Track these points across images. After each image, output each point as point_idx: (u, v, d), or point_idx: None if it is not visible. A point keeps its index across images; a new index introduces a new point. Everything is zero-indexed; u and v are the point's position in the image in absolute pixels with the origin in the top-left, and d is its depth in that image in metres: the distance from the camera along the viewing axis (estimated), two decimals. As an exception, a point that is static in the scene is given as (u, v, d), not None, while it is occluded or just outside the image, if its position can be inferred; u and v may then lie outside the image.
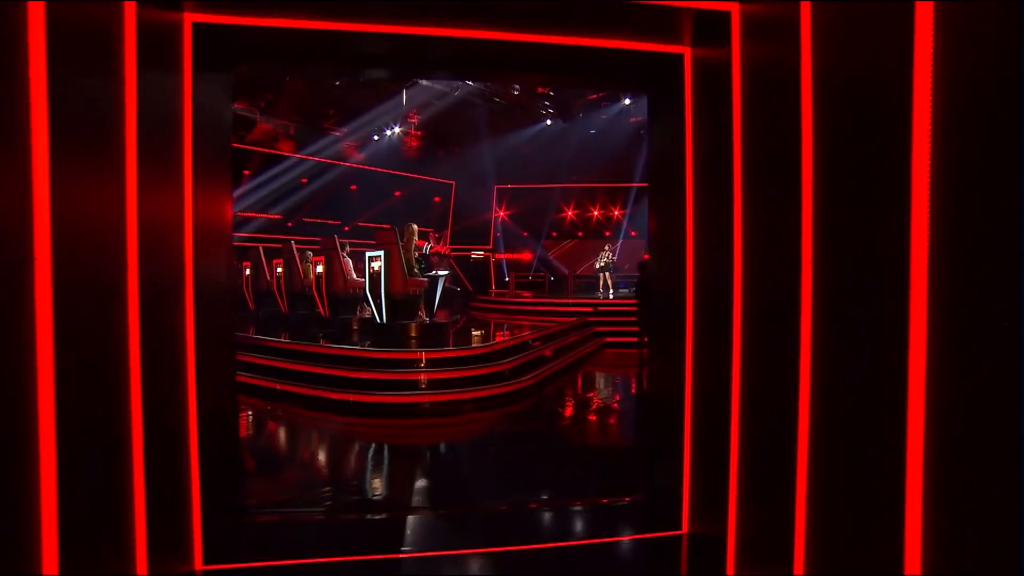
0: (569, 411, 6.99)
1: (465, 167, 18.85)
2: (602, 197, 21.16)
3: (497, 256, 20.44)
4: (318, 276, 10.16)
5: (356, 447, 5.35)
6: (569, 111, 16.12)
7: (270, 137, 17.75)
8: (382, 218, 16.29)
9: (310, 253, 10.52)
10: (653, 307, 3.52)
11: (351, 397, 6.63)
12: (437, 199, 20.16)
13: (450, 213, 20.21)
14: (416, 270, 9.24)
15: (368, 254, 9.14)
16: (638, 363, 10.12)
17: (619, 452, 5.06)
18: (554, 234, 20.97)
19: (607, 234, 20.94)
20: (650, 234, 3.50)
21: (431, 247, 21.23)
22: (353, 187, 18.08)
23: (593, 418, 6.69)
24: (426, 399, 6.88)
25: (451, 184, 20.23)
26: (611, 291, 16.18)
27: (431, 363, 7.29)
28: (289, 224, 18.42)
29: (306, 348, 7.51)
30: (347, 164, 18.14)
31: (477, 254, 20.28)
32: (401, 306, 9.24)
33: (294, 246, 10.84)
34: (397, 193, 20.08)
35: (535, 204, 20.53)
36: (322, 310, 10.16)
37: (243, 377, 7.70)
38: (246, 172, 17.20)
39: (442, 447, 5.80)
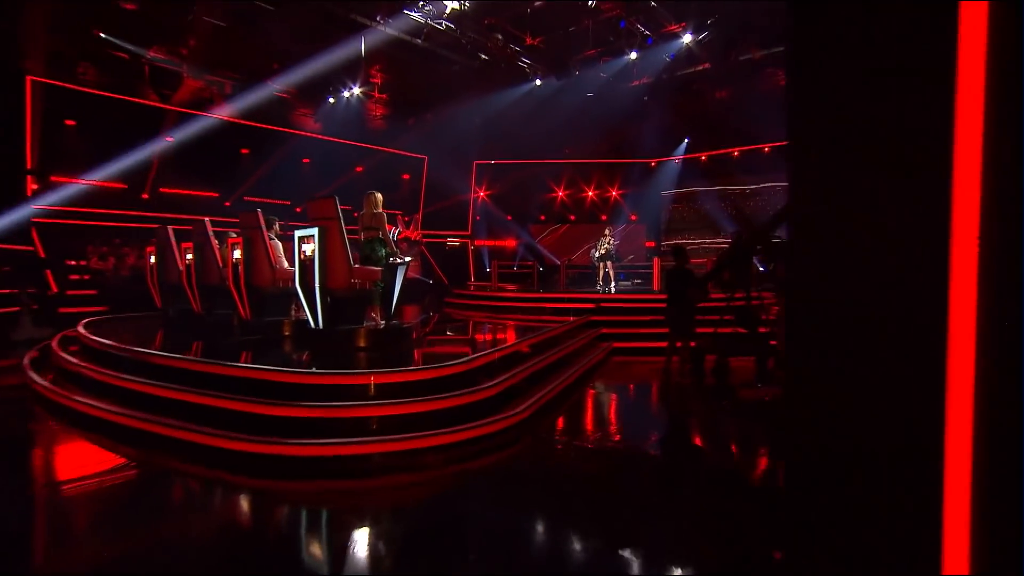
0: (593, 466, 4.70)
1: (439, 139, 17.15)
2: (598, 175, 19.91)
3: (477, 243, 19.36)
4: (236, 265, 7.73)
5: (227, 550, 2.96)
6: (564, 65, 13.74)
7: (202, 97, 15.10)
8: (340, 198, 14.93)
9: (234, 234, 8.06)
10: (807, 317, 2.28)
11: (248, 446, 4.26)
12: (406, 176, 18.60)
13: (421, 193, 18.60)
14: (378, 255, 6.91)
15: (298, 233, 6.76)
16: (664, 376, 7.92)
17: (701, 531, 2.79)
18: (542, 218, 19.64)
19: (603, 218, 19.71)
20: (809, 220, 2.25)
21: (399, 232, 18.97)
22: (306, 160, 16.24)
23: (630, 476, 4.43)
24: (375, 448, 4.56)
25: (422, 159, 18.66)
26: (613, 284, 14.08)
27: (383, 392, 4.96)
28: (227, 204, 15.86)
29: (177, 362, 5.10)
30: (299, 132, 16.17)
31: (453, 241, 19.19)
32: (347, 305, 6.89)
33: (209, 226, 8.38)
34: (359, 169, 18.04)
35: (521, 183, 19.17)
36: (242, 310, 7.74)
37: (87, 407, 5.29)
38: (169, 139, 14.59)
39: (388, 543, 3.45)
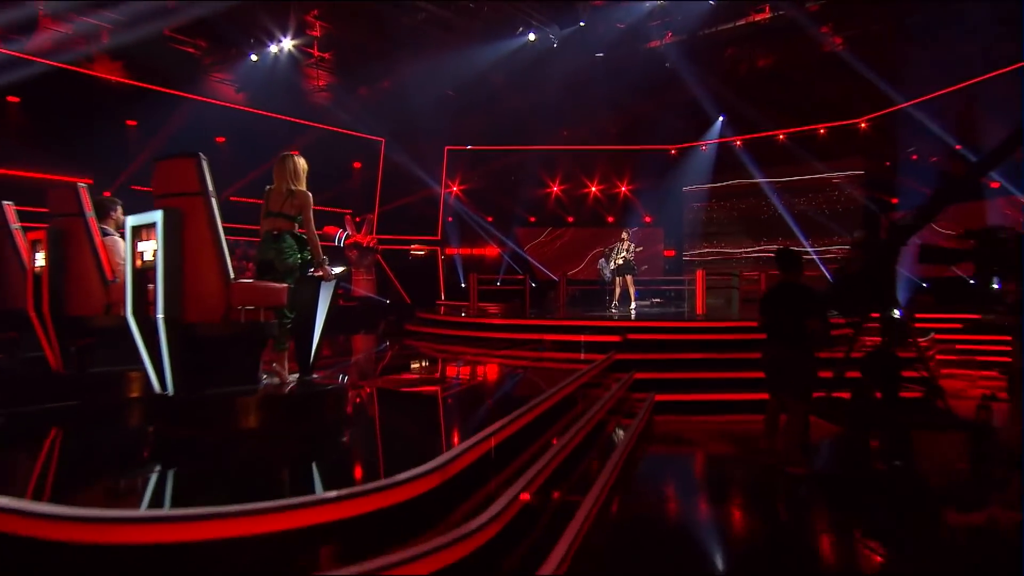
0: None
1: (400, 115, 15.45)
2: (604, 166, 18.54)
3: (449, 252, 18.00)
4: (37, 278, 5.02)
5: None
6: (569, 6, 11.35)
7: (69, 47, 12.27)
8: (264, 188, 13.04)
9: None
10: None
11: None
12: (357, 164, 17.10)
13: (377, 186, 16.91)
14: (287, 262, 4.65)
15: (130, 222, 4.11)
16: (764, 465, 5.36)
17: None
18: (532, 220, 18.38)
19: (609, 219, 18.53)
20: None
21: (346, 236, 16.39)
22: (220, 139, 14.37)
23: None
24: None
25: (379, 142, 17.01)
26: (633, 304, 11.64)
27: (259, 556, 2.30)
28: (106, 194, 12.90)
29: None
30: (210, 101, 14.21)
31: (418, 249, 17.91)
32: (226, 351, 4.24)
33: (12, 215, 5.66)
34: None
35: (505, 175, 17.95)
36: (49, 355, 5.01)
37: None
38: (14, 99, 11.73)
39: None
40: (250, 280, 4.62)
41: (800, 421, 5.48)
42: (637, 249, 12.22)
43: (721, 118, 16.57)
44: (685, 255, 17.90)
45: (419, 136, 16.24)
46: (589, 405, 6.00)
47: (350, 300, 15.67)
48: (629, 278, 12.24)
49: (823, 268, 14.51)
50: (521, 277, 13.80)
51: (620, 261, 12.19)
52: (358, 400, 5.52)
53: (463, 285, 17.01)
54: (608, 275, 13.91)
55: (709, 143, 17.26)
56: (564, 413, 5.56)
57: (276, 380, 4.72)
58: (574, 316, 11.09)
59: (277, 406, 4.28)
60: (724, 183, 17.27)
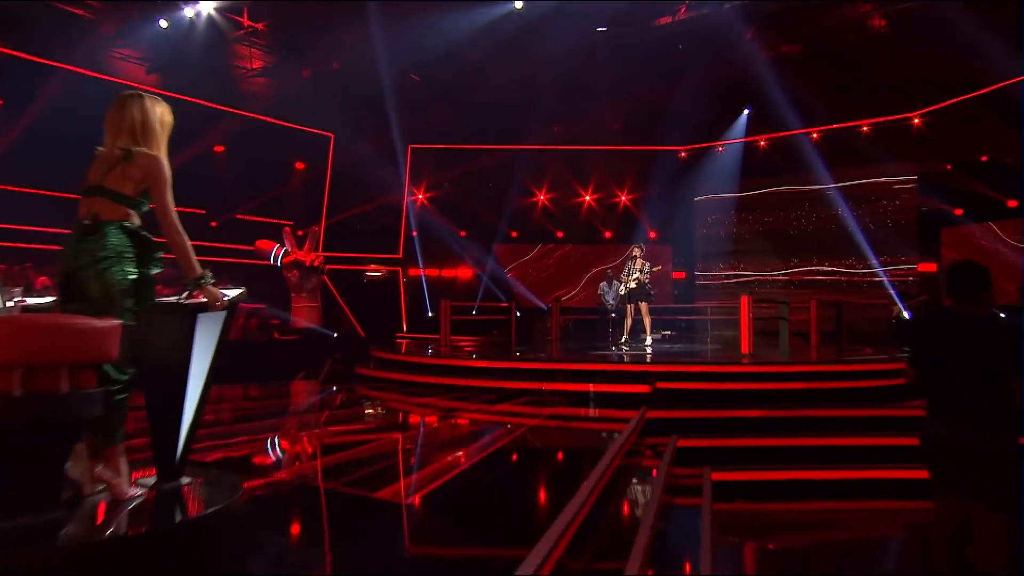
0: None
1: (353, 104, 14.32)
2: (600, 169, 17.47)
3: (413, 272, 17.18)
4: None
5: None
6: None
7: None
8: (187, 195, 11.40)
9: None
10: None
11: None
12: (300, 165, 16.13)
13: (325, 192, 15.90)
14: (113, 278, 2.82)
15: None
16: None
17: None
18: (515, 234, 17.67)
19: (607, 235, 17.80)
20: None
21: (284, 253, 14.51)
22: None
23: None
24: None
25: (327, 138, 16.02)
26: (649, 340, 10.54)
27: None
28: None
29: None
30: (110, 79, 12.28)
31: (375, 270, 17.08)
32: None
33: None
34: (219, 149, 14.96)
35: (481, 179, 17.20)
36: None
37: None
38: None
39: None
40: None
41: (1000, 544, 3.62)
42: (654, 269, 10.52)
43: (746, 112, 15.42)
44: (698, 277, 16.77)
45: (376, 131, 15.24)
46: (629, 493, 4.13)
47: (287, 333, 13.82)
48: (644, 306, 10.58)
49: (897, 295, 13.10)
50: (505, 305, 12.37)
51: (632, 284, 10.52)
52: (264, 527, 3.48)
53: (429, 314, 16.05)
54: (611, 302, 12.69)
55: (727, 143, 16.20)
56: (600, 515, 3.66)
57: (106, 495, 2.76)
58: (576, 355, 9.48)
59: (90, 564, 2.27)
60: (746, 192, 16.27)
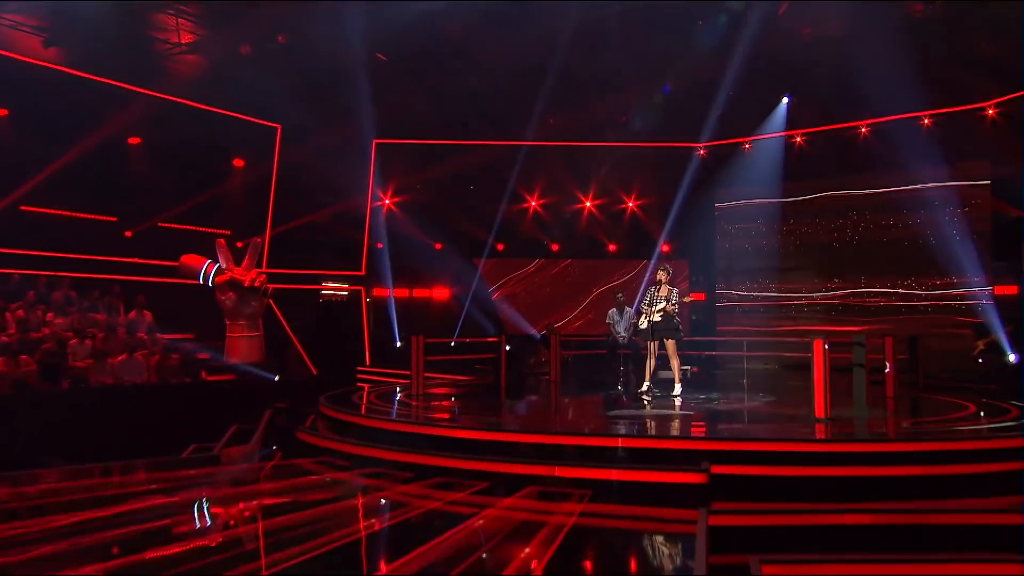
0: None
1: (304, 89, 13.80)
2: (603, 171, 16.81)
3: (378, 293, 16.50)
4: None
5: None
6: None
7: None
8: (93, 197, 12.95)
9: None
10: None
11: None
12: (239, 163, 15.45)
13: (270, 195, 15.21)
14: None
15: None
16: None
17: None
18: (500, 247, 17.30)
19: (611, 248, 17.47)
20: None
21: (218, 270, 12.72)
22: (3, 112, 12.38)
23: None
24: None
25: (272, 130, 15.27)
26: (679, 389, 9.21)
27: None
28: None
29: None
30: None
31: (333, 289, 16.44)
32: None
33: None
34: (133, 141, 13.96)
35: (460, 182, 17.09)
36: None
37: None
38: None
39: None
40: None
41: None
42: (684, 299, 9.18)
43: (785, 101, 14.27)
44: (719, 297, 15.68)
45: (334, 122, 14.60)
46: None
47: (217, 373, 11.98)
48: (671, 345, 9.01)
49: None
50: (493, 340, 11.30)
51: (657, 317, 8.87)
52: None
53: (399, 344, 15.23)
54: (622, 333, 11.29)
55: (755, 139, 15.20)
56: None
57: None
58: (590, 419, 7.99)
59: None
60: (778, 198, 15.19)
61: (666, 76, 13.49)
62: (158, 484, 6.48)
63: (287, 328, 14.06)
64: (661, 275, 9.05)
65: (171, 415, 9.52)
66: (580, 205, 17.10)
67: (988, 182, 12.85)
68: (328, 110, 14.13)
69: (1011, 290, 12.31)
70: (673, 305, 8.76)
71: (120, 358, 10.22)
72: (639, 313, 9.21)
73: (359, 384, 12.89)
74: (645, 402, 8.56)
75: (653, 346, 8.98)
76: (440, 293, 17.08)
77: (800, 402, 8.82)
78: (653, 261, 15.87)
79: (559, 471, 5.74)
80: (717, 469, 5.52)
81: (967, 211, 12.99)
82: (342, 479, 6.41)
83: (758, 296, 15.35)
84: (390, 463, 6.34)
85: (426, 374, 10.75)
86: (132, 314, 11.75)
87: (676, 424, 7.17)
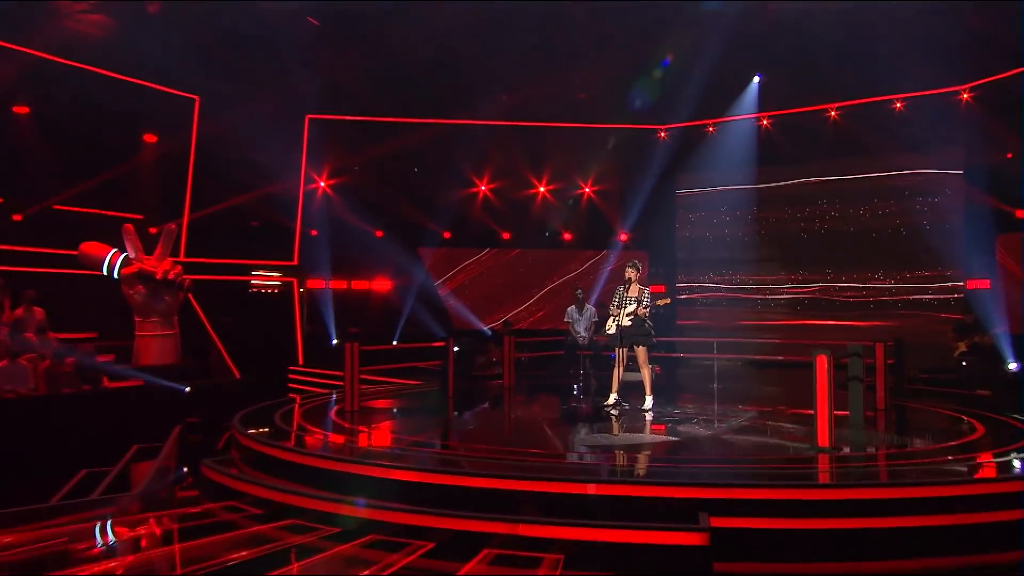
0: None
1: (227, 56, 12.96)
2: (559, 154, 16.20)
3: (312, 285, 15.92)
4: None
5: None
6: None
7: None
8: None
9: None
10: None
11: None
12: (151, 138, 14.50)
13: (188, 176, 14.37)
14: None
15: None
16: None
17: None
18: (447, 235, 16.67)
19: (566, 236, 16.87)
20: None
21: (124, 259, 11.22)
22: None
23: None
24: None
25: (190, 101, 14.41)
26: (650, 402, 8.37)
27: None
28: None
29: None
30: None
31: (264, 280, 15.72)
32: None
33: None
34: (21, 110, 12.91)
35: (403, 163, 16.55)
36: None
37: None
38: None
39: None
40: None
41: None
42: (660, 301, 8.22)
43: (756, 81, 13.61)
44: (680, 290, 15.10)
45: (261, 94, 13.71)
46: None
47: (122, 379, 10.56)
48: (642, 352, 8.09)
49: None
50: (440, 344, 10.13)
51: (627, 320, 7.96)
52: None
53: (333, 342, 14.32)
54: (581, 333, 10.75)
55: (721, 121, 14.64)
56: None
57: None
58: (551, 441, 6.85)
59: None
60: (741, 185, 14.57)
61: (629, 50, 12.68)
62: None
63: (208, 326, 12.86)
64: (630, 272, 8.14)
65: (61, 432, 8.27)
66: (533, 190, 16.40)
67: (961, 171, 12.40)
68: (253, 80, 13.16)
69: (983, 284, 11.89)
70: (645, 307, 7.85)
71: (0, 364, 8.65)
72: (610, 315, 8.24)
73: (290, 390, 12.02)
74: (612, 416, 7.62)
75: (621, 353, 8.00)
76: (381, 285, 16.36)
77: (786, 416, 8.16)
78: (615, 252, 15.43)
79: (523, 529, 4.62)
80: (717, 522, 4.51)
81: (938, 201, 12.59)
82: (248, 536, 5.13)
83: (721, 288, 14.84)
84: (313, 514, 5.14)
85: (366, 378, 9.82)
86: (19, 311, 10.14)
87: (656, 454, 6.14)
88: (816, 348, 6.08)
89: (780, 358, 11.98)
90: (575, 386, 10.36)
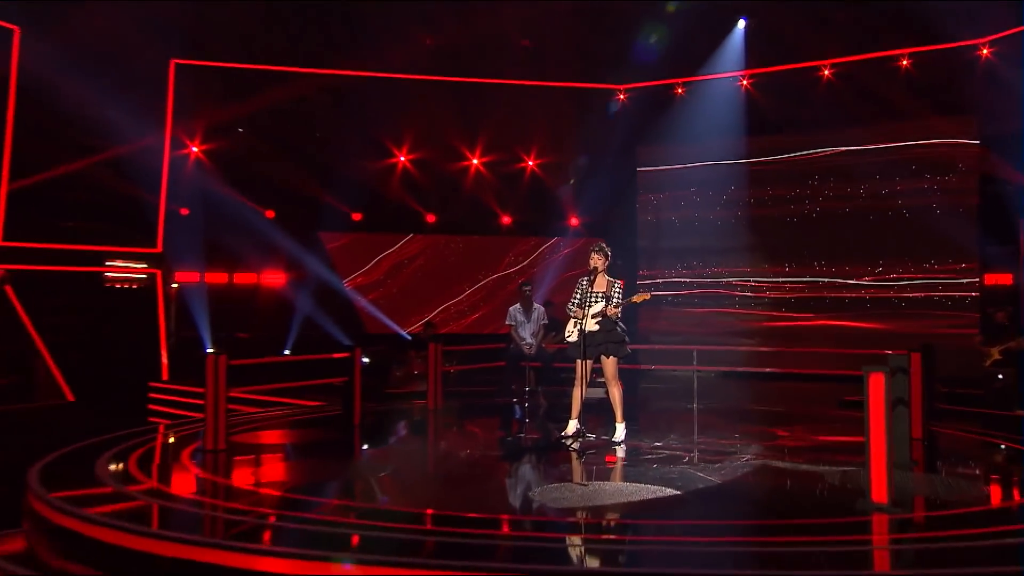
0: None
1: None
2: (497, 116, 15.28)
3: (181, 278, 15.11)
4: None
5: None
6: None
7: None
8: None
9: None
10: None
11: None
12: None
13: (5, 133, 12.88)
14: None
15: None
16: None
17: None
18: (357, 217, 16.10)
19: (505, 220, 16.19)
20: None
21: None
22: None
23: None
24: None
25: (7, 32, 13.08)
26: (621, 432, 7.36)
27: None
28: None
29: None
30: None
31: (119, 273, 14.60)
32: None
33: None
34: None
35: (299, 124, 15.51)
36: None
37: None
38: None
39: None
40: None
41: None
42: (637, 297, 7.09)
43: (742, 24, 12.89)
44: (641, 286, 14.09)
45: (106, 28, 12.46)
46: None
47: None
48: (611, 364, 6.94)
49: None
50: (343, 356, 8.72)
51: (593, 324, 6.87)
52: None
53: (208, 350, 13.16)
54: (529, 341, 9.85)
55: (693, 80, 13.94)
56: None
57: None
58: (494, 499, 5.61)
59: None
60: (714, 161, 14.05)
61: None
62: None
63: (32, 331, 11.42)
64: (596, 260, 7.14)
65: None
66: (465, 163, 15.45)
67: (977, 141, 11.96)
68: (96, 10, 11.95)
69: (1005, 279, 11.48)
70: (616, 306, 6.76)
71: None
72: (570, 317, 7.20)
73: (152, 413, 10.89)
74: (574, 452, 6.38)
75: (585, 367, 6.80)
76: (272, 279, 15.44)
77: (797, 448, 7.17)
78: (566, 239, 15.00)
79: None
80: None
81: (950, 178, 12.12)
82: None
83: (691, 283, 14.26)
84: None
85: (251, 398, 8.95)
86: None
87: (651, 519, 4.77)
88: (869, 363, 4.86)
89: (768, 370, 11.41)
90: (519, 408, 9.29)
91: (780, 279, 13.53)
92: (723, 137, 13.70)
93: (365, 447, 7.32)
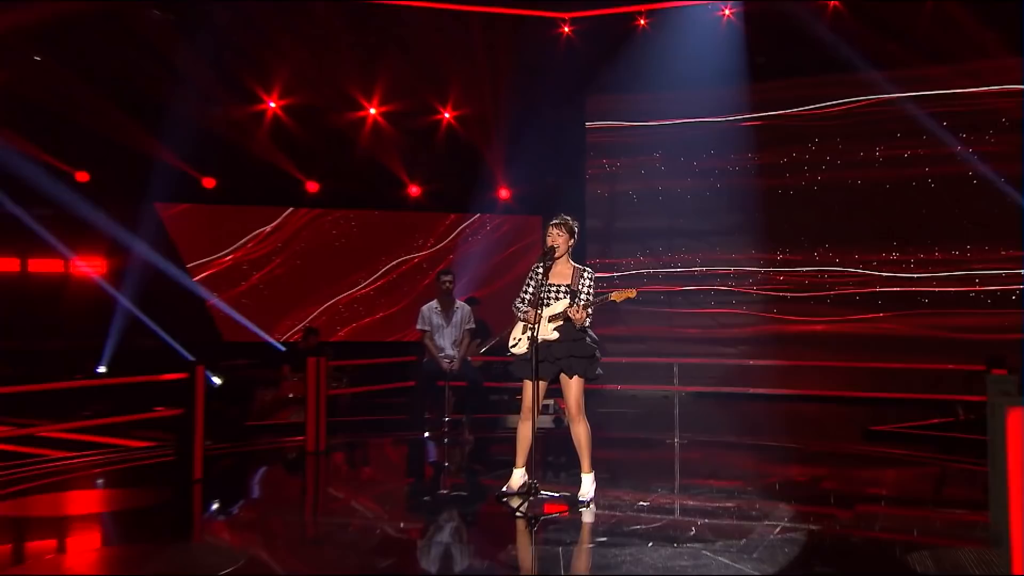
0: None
1: None
2: (404, 50, 14.83)
3: None
4: None
5: None
6: None
7: None
8: None
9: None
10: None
11: None
12: None
13: None
14: None
15: None
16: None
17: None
18: (211, 183, 15.63)
19: (412, 190, 16.11)
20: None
21: None
22: None
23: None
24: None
25: None
26: (589, 491, 6.49)
27: None
28: None
29: None
30: None
31: None
32: None
33: None
34: None
35: (126, 56, 14.13)
36: None
37: None
38: None
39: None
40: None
41: None
42: (617, 294, 6.54)
43: None
44: (602, 273, 13.53)
45: None
46: None
47: None
48: (575, 385, 6.16)
49: None
50: (179, 377, 8.02)
51: (551, 330, 6.26)
52: None
53: None
54: (450, 353, 9.31)
55: (659, 7, 13.36)
56: None
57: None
58: None
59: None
60: (689, 118, 13.88)
61: None
62: None
63: None
64: (555, 237, 6.38)
65: None
66: (361, 113, 14.43)
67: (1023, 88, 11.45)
68: None
69: None
70: (585, 306, 6.04)
71: None
72: (519, 318, 6.58)
73: None
74: (522, 522, 5.22)
75: (537, 391, 5.90)
76: (89, 267, 14.11)
77: (841, 503, 6.52)
78: (494, 216, 14.75)
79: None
80: None
81: (988, 137, 11.69)
82: None
83: (656, 274, 13.80)
84: None
85: (52, 436, 8.17)
86: None
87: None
88: (998, 395, 4.00)
89: (761, 391, 11.00)
90: (435, 447, 8.39)
91: (771, 268, 13.22)
92: (699, 85, 13.06)
93: (205, 516, 5.95)
